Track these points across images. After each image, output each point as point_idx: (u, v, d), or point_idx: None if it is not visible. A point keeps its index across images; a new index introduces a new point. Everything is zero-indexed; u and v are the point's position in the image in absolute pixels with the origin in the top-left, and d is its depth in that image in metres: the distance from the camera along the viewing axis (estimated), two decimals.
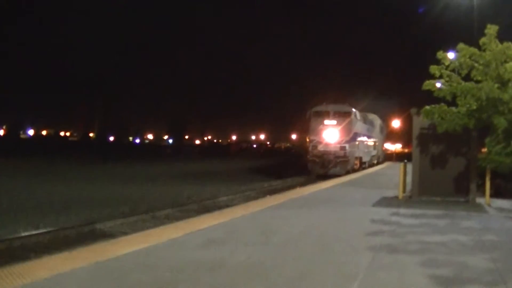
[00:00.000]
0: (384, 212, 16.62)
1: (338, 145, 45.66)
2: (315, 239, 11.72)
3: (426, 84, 18.99)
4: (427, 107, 19.27)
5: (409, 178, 22.32)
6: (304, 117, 50.00)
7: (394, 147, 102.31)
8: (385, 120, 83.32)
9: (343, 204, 18.97)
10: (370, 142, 59.59)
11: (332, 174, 43.32)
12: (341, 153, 45.53)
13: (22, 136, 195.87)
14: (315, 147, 46.19)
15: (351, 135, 46.56)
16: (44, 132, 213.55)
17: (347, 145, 45.90)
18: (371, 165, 59.60)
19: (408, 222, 14.76)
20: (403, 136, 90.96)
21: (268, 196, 22.61)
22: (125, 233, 14.44)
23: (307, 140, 48.52)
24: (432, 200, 20.28)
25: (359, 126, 49.93)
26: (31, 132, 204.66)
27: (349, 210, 17.15)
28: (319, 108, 47.76)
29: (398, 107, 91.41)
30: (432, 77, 19.05)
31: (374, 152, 62.83)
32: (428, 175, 20.95)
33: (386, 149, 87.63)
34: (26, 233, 15.72)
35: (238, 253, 9.82)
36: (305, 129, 50.53)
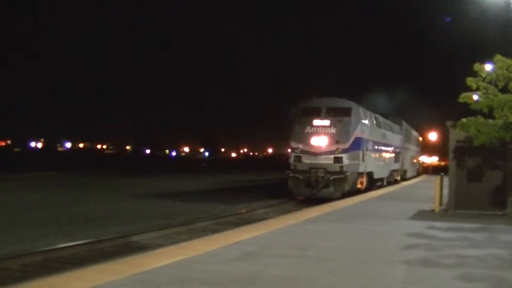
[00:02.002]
0: (420, 226, 16.50)
1: (332, 156, 30.70)
2: (350, 252, 11.70)
3: (463, 97, 18.85)
4: (463, 119, 19.13)
5: (445, 191, 22.14)
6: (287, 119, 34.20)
7: (431, 160, 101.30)
8: (421, 132, 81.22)
9: (378, 217, 18.87)
10: (389, 152, 43.80)
11: (323, 198, 29.24)
12: (336, 166, 30.50)
13: (59, 149, 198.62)
14: (298, 158, 31.33)
15: (350, 141, 31.34)
16: (81, 145, 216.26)
17: (344, 156, 30.77)
18: (391, 182, 45.64)
19: (444, 235, 14.65)
20: (440, 149, 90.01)
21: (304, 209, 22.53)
22: (160, 245, 14.54)
23: (289, 149, 32.76)
24: (468, 214, 20.06)
25: (367, 130, 34.38)
26: (68, 145, 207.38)
27: (384, 224, 17.06)
28: (306, 104, 33.18)
29: (435, 119, 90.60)
30: (469, 89, 18.91)
31: (395, 166, 47.06)
32: (464, 188, 20.76)
33: (422, 162, 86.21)
34: (64, 245, 15.91)
35: (273, 267, 9.85)
36: (288, 133, 33.19)
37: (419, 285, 8.81)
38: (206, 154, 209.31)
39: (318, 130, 30.93)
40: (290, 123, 32.57)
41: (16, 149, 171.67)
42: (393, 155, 45.63)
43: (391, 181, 46.20)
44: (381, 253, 11.75)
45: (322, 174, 30.39)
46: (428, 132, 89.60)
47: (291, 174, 31.02)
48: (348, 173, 30.51)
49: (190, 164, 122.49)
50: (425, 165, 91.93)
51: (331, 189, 30.02)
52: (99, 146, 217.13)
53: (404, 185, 46.35)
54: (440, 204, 21.67)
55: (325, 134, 30.79)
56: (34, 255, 14.12)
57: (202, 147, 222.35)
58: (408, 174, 57.72)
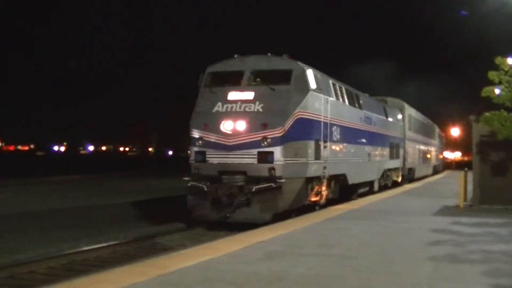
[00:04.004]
0: (445, 222, 16.41)
1: (254, 151, 18.09)
2: (375, 250, 11.66)
3: (485, 91, 18.68)
4: (487, 114, 18.96)
5: (469, 187, 21.99)
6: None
7: (454, 155, 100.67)
8: (443, 128, 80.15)
9: (402, 214, 18.77)
10: (379, 144, 30.80)
11: (239, 223, 17.76)
12: (262, 169, 18.01)
13: (82, 152, 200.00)
14: (202, 156, 18.80)
15: (289, 123, 18.24)
16: (103, 148, 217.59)
17: (277, 150, 18.00)
18: (387, 186, 33.53)
19: (470, 231, 14.55)
20: (463, 144, 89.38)
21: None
22: (184, 246, 14.59)
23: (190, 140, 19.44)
24: (493, 209, 19.92)
25: (328, 108, 21.25)
26: (91, 148, 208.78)
27: (409, 220, 16.98)
28: (220, 66, 20.43)
29: (457, 114, 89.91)
30: (491, 83, 18.74)
31: (392, 163, 34.56)
32: (488, 183, 20.62)
33: (445, 158, 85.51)
34: (88, 247, 16.01)
35: (298, 265, 9.85)
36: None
37: (446, 281, 8.76)
38: None
39: (234, 108, 18.43)
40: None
41: (40, 153, 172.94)
42: (387, 148, 32.76)
43: (387, 185, 33.79)
44: (406, 250, 11.71)
45: (238, 183, 17.84)
46: (451, 127, 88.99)
47: (190, 183, 18.36)
48: (285, 180, 17.65)
49: None
50: (448, 160, 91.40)
51: (254, 208, 17.70)
52: (122, 149, 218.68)
53: (426, 181, 44.83)
54: (465, 199, 21.52)
55: (245, 114, 18.17)
56: (59, 258, 14.22)
57: None
58: (418, 173, 44.83)
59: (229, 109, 18.50)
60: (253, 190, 17.53)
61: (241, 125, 18.05)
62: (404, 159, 38.10)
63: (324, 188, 21.15)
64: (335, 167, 22.10)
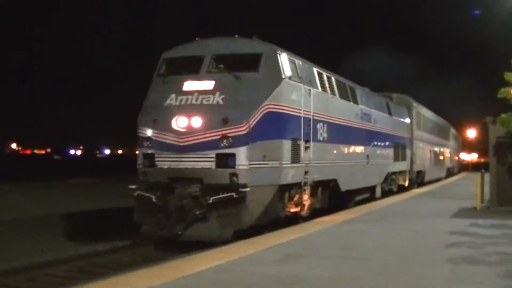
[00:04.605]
0: (462, 223, 16.35)
1: (212, 153, 14.70)
2: (392, 252, 11.65)
3: (501, 92, 18.62)
4: (503, 115, 18.89)
5: (486, 188, 21.89)
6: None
7: (470, 157, 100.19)
8: (459, 129, 79.57)
9: (419, 216, 18.73)
10: (380, 145, 27.43)
11: (196, 241, 14.55)
12: (221, 175, 14.69)
13: (98, 155, 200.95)
14: (150, 159, 15.54)
15: (256, 118, 14.97)
16: (120, 151, 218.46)
17: (241, 151, 14.65)
18: (391, 191, 29.98)
19: (487, 233, 14.49)
20: (479, 145, 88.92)
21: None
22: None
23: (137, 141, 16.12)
24: (510, 210, 19.80)
25: (310, 100, 17.88)
26: (107, 151, 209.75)
27: (426, 222, 16.94)
28: (177, 51, 17.29)
29: (474, 115, 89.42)
30: (508, 84, 18.67)
31: (397, 166, 31.11)
32: (506, 184, 20.50)
33: (462, 160, 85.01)
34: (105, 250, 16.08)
35: (315, 268, 9.88)
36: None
37: (464, 283, 8.76)
38: None
39: (190, 101, 15.27)
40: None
41: (56, 157, 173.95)
42: (390, 149, 29.40)
43: (392, 190, 30.33)
44: (423, 252, 11.69)
45: (193, 192, 14.71)
46: (467, 129, 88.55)
47: (137, 193, 15.37)
48: (250, 188, 14.53)
49: None
50: (465, 162, 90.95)
51: (212, 223, 14.58)
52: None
53: (443, 183, 44.04)
54: (482, 201, 21.44)
55: (203, 107, 15.03)
56: (75, 260, 14.29)
57: None
58: (429, 176, 41.36)
59: (183, 102, 15.25)
60: (210, 201, 14.26)
61: (196, 121, 14.74)
62: (412, 161, 34.60)
63: (306, 197, 17.50)
64: (321, 172, 18.67)
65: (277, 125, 15.80)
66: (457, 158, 70.82)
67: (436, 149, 46.85)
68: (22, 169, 64.74)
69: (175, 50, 17.18)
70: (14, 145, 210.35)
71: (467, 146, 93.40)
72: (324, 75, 19.86)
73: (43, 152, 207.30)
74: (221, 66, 16.24)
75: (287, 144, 16.30)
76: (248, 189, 14.40)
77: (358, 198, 24.44)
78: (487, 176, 22.08)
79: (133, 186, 15.51)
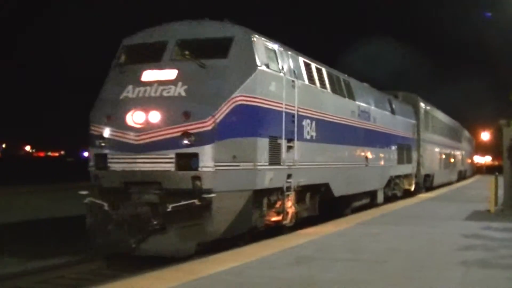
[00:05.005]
0: (475, 226, 16.29)
1: (172, 153, 12.52)
2: (405, 255, 11.64)
3: None
4: None
5: (501, 191, 21.81)
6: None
7: (484, 159, 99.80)
8: (473, 132, 79.08)
9: (432, 219, 18.68)
10: (381, 146, 25.18)
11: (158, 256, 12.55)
12: (182, 177, 12.50)
13: None
14: (103, 160, 13.29)
15: (224, 111, 12.77)
16: None
17: (206, 150, 12.45)
18: (395, 197, 27.74)
19: (501, 236, 14.45)
20: (493, 148, 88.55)
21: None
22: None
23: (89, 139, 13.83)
24: None
25: (294, 93, 15.78)
26: None
27: (439, 225, 16.88)
28: (138, 38, 15.01)
29: (488, 118, 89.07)
30: None
31: (401, 169, 28.55)
32: None
33: (475, 162, 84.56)
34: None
35: (328, 271, 9.88)
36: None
37: (477, 286, 8.74)
38: None
39: (148, 93, 13.21)
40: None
41: (69, 159, 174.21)
42: (393, 151, 27.05)
43: (397, 195, 28.00)
44: (437, 254, 11.67)
45: (150, 199, 12.74)
46: (481, 131, 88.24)
47: (88, 200, 13.25)
48: (216, 194, 12.45)
49: None
50: (479, 165, 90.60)
51: (171, 235, 12.50)
52: None
53: (454, 187, 43.35)
54: (496, 204, 21.33)
55: (162, 100, 12.97)
56: (88, 263, 14.17)
57: None
58: (438, 180, 38.83)
59: (141, 94, 13.14)
60: (169, 209, 12.13)
61: (154, 116, 12.66)
62: (419, 164, 32.31)
63: (289, 203, 15.45)
64: (308, 175, 16.58)
65: (250, 121, 13.62)
66: (469, 161, 69.80)
67: (447, 151, 44.91)
68: (36, 171, 64.93)
69: (136, 36, 15.02)
70: (28, 148, 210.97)
71: (481, 148, 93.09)
72: (313, 66, 17.68)
73: (56, 154, 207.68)
74: (187, 52, 14.13)
75: (263, 143, 14.06)
76: (213, 195, 12.25)
77: (356, 204, 22.20)
78: (501, 179, 21.97)
79: (83, 192, 13.31)
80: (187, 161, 12.43)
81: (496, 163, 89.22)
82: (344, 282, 8.97)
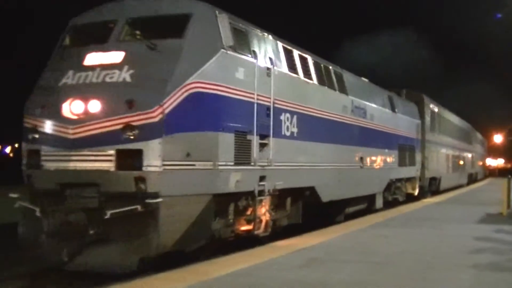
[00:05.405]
0: (487, 229, 16.20)
1: (112, 149, 10.38)
2: (416, 257, 11.58)
3: None
4: None
5: None
6: None
7: (497, 162, 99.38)
8: (486, 135, 78.62)
9: (443, 221, 18.58)
10: (384, 148, 23.54)
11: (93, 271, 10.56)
12: (124, 178, 10.31)
13: None
14: (34, 156, 11.21)
15: (177, 99, 10.59)
16: None
17: (153, 147, 10.27)
18: (397, 201, 25.73)
19: None
20: (506, 150, 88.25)
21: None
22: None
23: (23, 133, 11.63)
24: None
25: (269, 82, 13.56)
26: None
27: (450, 228, 16.80)
28: (87, 17, 12.76)
29: (501, 121, 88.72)
30: None
31: (404, 172, 26.55)
32: None
33: (487, 165, 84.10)
34: None
35: (338, 272, 9.86)
36: None
37: None
38: None
39: (90, 78, 11.13)
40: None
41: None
42: (394, 152, 24.79)
43: (398, 199, 25.98)
44: (447, 257, 11.61)
45: (88, 204, 10.64)
46: (494, 134, 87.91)
47: (18, 204, 11.18)
48: (164, 200, 10.25)
49: None
50: (491, 167, 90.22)
51: (111, 248, 10.39)
52: None
53: (464, 190, 42.25)
54: (508, 207, 21.23)
55: (105, 86, 10.91)
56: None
57: None
58: (446, 183, 36.83)
59: (81, 81, 11.05)
60: (108, 216, 9.91)
61: (94, 105, 10.59)
62: (423, 166, 30.22)
63: (263, 210, 13.35)
64: (288, 177, 14.39)
65: (210, 112, 11.43)
66: (481, 163, 68.93)
67: (456, 153, 43.16)
68: None
69: (85, 15, 12.87)
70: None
71: (494, 151, 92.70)
72: (296, 53, 15.57)
73: None
74: (138, 32, 12.05)
75: (227, 138, 11.85)
76: (160, 199, 10.12)
77: (350, 210, 19.95)
78: None
79: (14, 195, 11.18)
80: (130, 159, 10.34)
81: (509, 165, 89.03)
82: (354, 284, 8.96)
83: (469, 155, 52.54)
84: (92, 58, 11.28)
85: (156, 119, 10.23)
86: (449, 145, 39.80)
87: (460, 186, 43.94)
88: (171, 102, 10.46)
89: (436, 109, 35.34)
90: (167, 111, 10.33)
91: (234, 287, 8.74)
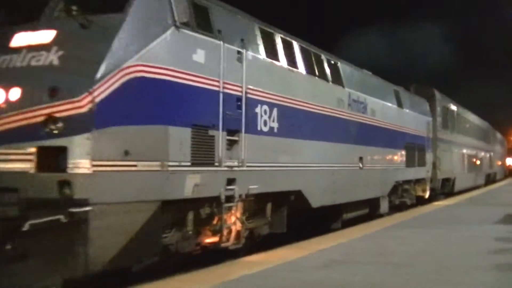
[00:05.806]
0: (507, 230, 16.05)
1: (32, 146, 8.25)
2: (434, 258, 11.50)
3: None
4: None
5: None
6: None
7: None
8: (505, 133, 77.85)
9: (461, 222, 18.44)
10: (389, 147, 21.40)
11: None
12: (46, 181, 8.12)
13: None
14: None
15: (110, 88, 8.37)
16: None
17: (80, 142, 8.06)
18: (405, 205, 23.85)
19: None
20: None
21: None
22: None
23: None
24: None
25: (249, 70, 11.64)
26: None
27: (468, 229, 16.65)
28: None
29: None
30: None
31: (416, 173, 24.86)
32: None
33: (508, 165, 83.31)
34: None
35: (357, 274, 9.81)
36: None
37: None
38: None
39: (14, 62, 8.91)
40: None
41: None
42: (400, 151, 22.74)
43: (406, 203, 24.01)
44: (466, 258, 11.51)
45: (4, 213, 8.08)
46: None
47: None
48: (96, 208, 8.08)
49: None
50: (511, 167, 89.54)
51: (32, 266, 8.05)
52: None
53: (485, 190, 41.62)
54: None
55: (28, 71, 8.74)
56: None
57: None
58: (460, 185, 34.48)
59: (5, 65, 9.09)
60: (25, 228, 7.96)
61: (15, 93, 8.63)
62: (435, 167, 28.07)
63: (233, 219, 11.50)
64: (266, 180, 12.31)
65: (156, 101, 9.32)
66: (500, 163, 67.96)
67: (472, 152, 41.02)
68: None
69: None
70: None
71: None
72: (278, 36, 13.49)
73: None
74: (74, 8, 9.46)
75: (180, 134, 9.77)
76: (89, 208, 8.11)
77: (349, 216, 17.91)
78: None
79: None
80: (53, 159, 8.32)
81: None
82: (373, 285, 8.92)
83: (487, 155, 50.91)
84: (20, 39, 9.30)
85: (84, 110, 8.19)
86: (464, 144, 37.90)
87: (477, 187, 42.23)
88: (104, 89, 8.41)
89: (449, 106, 33.30)
90: (98, 99, 8.27)
91: None
